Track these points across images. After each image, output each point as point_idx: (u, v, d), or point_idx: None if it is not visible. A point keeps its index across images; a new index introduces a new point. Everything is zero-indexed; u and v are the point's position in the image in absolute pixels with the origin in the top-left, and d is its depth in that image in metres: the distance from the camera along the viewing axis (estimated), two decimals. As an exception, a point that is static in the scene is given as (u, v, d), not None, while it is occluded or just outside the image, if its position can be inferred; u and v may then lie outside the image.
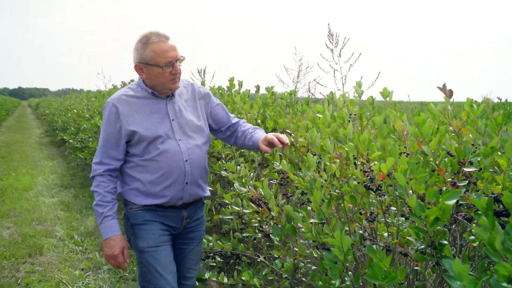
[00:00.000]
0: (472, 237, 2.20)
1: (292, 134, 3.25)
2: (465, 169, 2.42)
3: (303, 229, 2.62)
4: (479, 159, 2.47)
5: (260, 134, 2.88)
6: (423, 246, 2.06)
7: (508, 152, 2.04)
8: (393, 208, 2.78)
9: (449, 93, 2.86)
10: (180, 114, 2.78)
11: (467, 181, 2.40)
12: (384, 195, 2.60)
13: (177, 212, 2.82)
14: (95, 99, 12.18)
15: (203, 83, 5.70)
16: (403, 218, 2.63)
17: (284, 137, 2.77)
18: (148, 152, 2.66)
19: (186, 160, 2.73)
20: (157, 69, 2.61)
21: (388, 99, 2.84)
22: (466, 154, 2.43)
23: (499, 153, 2.47)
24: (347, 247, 1.93)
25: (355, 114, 3.03)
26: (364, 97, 3.06)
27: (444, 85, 2.86)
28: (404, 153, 2.76)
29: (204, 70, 6.06)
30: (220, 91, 5.35)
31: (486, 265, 2.03)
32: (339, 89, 3.24)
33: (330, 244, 2.37)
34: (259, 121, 4.31)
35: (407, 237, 2.21)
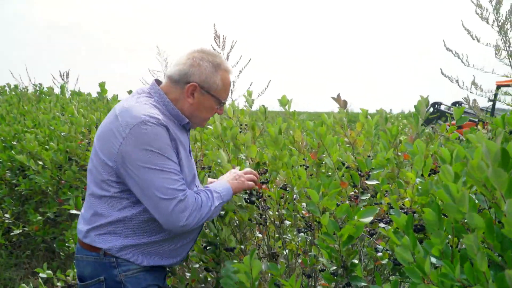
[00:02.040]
0: (379, 253, 2.09)
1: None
2: (367, 181, 2.31)
3: (195, 251, 2.35)
4: (377, 171, 2.39)
5: None
6: (334, 267, 1.89)
7: (417, 165, 1.95)
8: (287, 222, 2.62)
9: (343, 104, 2.77)
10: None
11: (369, 195, 2.30)
12: (267, 209, 2.44)
13: (164, 271, 2.29)
14: None
15: (63, 87, 5.18)
16: (302, 234, 2.47)
17: None
18: None
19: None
20: (214, 103, 2.16)
21: (287, 107, 2.68)
22: (367, 166, 2.33)
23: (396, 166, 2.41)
24: (256, 273, 1.69)
25: (246, 125, 2.83)
26: (256, 107, 2.88)
27: (338, 95, 2.76)
28: (303, 165, 2.60)
29: (67, 73, 5.52)
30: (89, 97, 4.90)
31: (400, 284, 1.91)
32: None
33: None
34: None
35: (316, 257, 2.03)
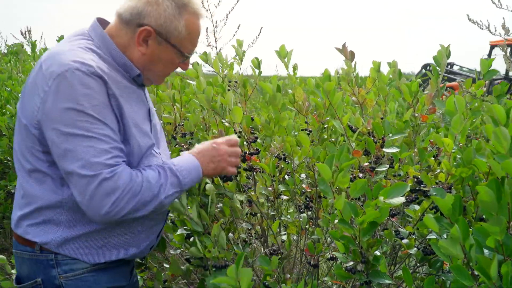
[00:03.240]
0: (405, 240, 1.67)
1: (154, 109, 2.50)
2: (385, 149, 1.88)
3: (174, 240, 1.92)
4: (395, 137, 1.95)
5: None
6: (352, 262, 1.47)
7: (455, 127, 1.51)
8: (284, 196, 2.19)
9: (351, 55, 2.30)
10: (151, 109, 1.80)
11: (387, 166, 1.86)
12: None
13: (128, 266, 1.78)
14: None
15: (33, 44, 4.64)
16: (304, 214, 2.04)
17: None
18: None
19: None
20: (175, 55, 1.65)
21: (286, 59, 2.21)
22: (386, 131, 1.89)
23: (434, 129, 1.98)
24: (246, 285, 1.24)
25: (236, 81, 2.36)
26: (247, 60, 2.40)
27: (344, 45, 2.30)
28: (305, 130, 2.16)
29: (29, 31, 4.96)
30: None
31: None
32: (210, 46, 2.54)
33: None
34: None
35: (333, 252, 1.61)
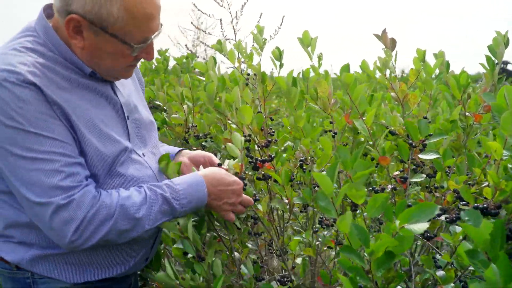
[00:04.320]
0: (441, 272, 1.31)
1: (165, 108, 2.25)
2: (420, 155, 1.52)
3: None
4: (437, 139, 1.59)
5: (168, 149, 1.76)
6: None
7: (506, 128, 1.15)
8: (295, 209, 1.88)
9: (391, 43, 1.96)
10: (134, 105, 1.56)
11: (424, 176, 1.51)
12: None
13: (122, 283, 1.57)
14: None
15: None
16: (324, 234, 1.71)
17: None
18: (105, 184, 1.41)
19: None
20: (122, 46, 1.35)
21: (310, 49, 1.89)
22: (422, 133, 1.54)
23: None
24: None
25: (255, 74, 2.06)
26: (268, 51, 2.11)
27: (384, 32, 1.95)
28: (330, 131, 1.83)
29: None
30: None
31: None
32: (228, 38, 2.27)
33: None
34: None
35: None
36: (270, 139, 1.71)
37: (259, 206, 1.56)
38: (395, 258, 1.07)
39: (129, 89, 1.57)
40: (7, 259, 1.44)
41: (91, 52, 1.36)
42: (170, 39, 6.15)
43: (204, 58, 4.65)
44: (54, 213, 1.26)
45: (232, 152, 1.57)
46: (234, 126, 1.72)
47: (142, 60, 1.46)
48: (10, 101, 1.24)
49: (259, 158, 1.69)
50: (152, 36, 1.38)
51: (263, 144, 1.71)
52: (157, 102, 2.52)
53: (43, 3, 1.43)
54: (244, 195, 1.51)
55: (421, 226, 0.99)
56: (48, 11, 1.41)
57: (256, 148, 1.77)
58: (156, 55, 4.34)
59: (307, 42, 1.90)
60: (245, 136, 1.67)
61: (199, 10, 2.41)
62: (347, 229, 1.05)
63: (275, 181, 1.65)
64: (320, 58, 1.94)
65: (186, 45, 4.01)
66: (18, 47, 1.33)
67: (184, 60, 4.26)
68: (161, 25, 1.41)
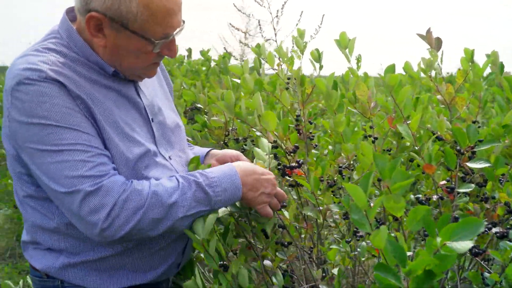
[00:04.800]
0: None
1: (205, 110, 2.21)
2: (469, 163, 1.41)
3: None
4: (488, 146, 1.48)
5: (197, 151, 1.72)
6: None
7: None
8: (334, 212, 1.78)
9: (437, 43, 1.84)
10: (158, 107, 1.53)
11: (472, 186, 1.40)
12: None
13: None
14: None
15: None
16: (364, 244, 1.62)
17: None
18: None
19: None
20: (144, 42, 1.33)
21: (347, 51, 1.80)
22: (470, 139, 1.43)
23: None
24: None
25: (295, 78, 1.99)
26: (307, 53, 2.02)
27: (428, 31, 1.84)
28: (370, 136, 1.74)
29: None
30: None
31: None
32: (268, 39, 2.20)
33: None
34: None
35: None
36: (297, 145, 1.64)
37: (286, 213, 1.48)
38: (436, 277, 0.97)
39: (153, 91, 1.54)
40: (37, 267, 1.43)
41: (113, 50, 1.35)
42: (220, 38, 6.13)
43: (240, 59, 4.48)
44: (82, 200, 1.23)
45: (259, 157, 1.51)
46: (258, 133, 1.65)
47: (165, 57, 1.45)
48: (33, 98, 1.24)
49: (287, 165, 1.62)
50: (174, 33, 1.35)
51: (290, 150, 1.64)
52: (198, 105, 2.49)
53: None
54: (278, 188, 1.45)
55: (465, 245, 0.90)
56: (71, 14, 1.41)
57: (284, 154, 1.70)
58: (198, 55, 4.30)
59: (344, 43, 1.82)
60: (271, 142, 1.61)
61: (238, 10, 2.34)
62: (382, 245, 0.97)
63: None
64: (358, 60, 1.85)
65: (225, 48, 3.94)
66: (40, 48, 1.34)
67: (222, 60, 4.21)
68: (183, 22, 1.39)
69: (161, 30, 1.32)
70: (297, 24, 2.08)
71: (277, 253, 1.50)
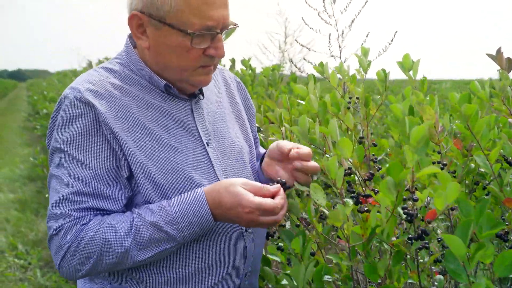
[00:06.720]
0: None
1: (261, 129, 2.18)
2: (552, 197, 1.35)
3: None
4: None
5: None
6: None
7: None
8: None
9: (508, 64, 1.79)
10: (217, 130, 1.48)
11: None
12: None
13: None
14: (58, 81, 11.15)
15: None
16: (441, 277, 1.57)
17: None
18: None
19: (246, 231, 1.44)
20: (182, 37, 1.28)
21: (411, 73, 1.76)
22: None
23: None
24: None
25: (357, 98, 1.95)
26: (372, 72, 1.98)
27: (499, 51, 1.79)
28: (438, 162, 1.69)
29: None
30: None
31: None
32: (333, 56, 2.16)
33: None
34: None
35: None
36: (373, 172, 1.59)
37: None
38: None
39: (213, 112, 1.50)
40: None
41: (156, 50, 1.33)
42: (258, 47, 6.12)
43: (290, 62, 4.30)
44: (50, 239, 1.29)
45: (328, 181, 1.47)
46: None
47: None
48: (62, 116, 1.30)
49: (362, 193, 1.58)
50: (218, 29, 1.31)
51: (366, 177, 1.59)
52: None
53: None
54: (261, 218, 1.25)
55: None
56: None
57: (357, 181, 1.65)
58: (240, 66, 4.20)
59: (408, 66, 1.77)
60: (345, 170, 1.56)
61: (306, 24, 2.28)
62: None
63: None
64: (423, 82, 1.80)
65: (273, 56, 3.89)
66: (98, 68, 1.39)
67: (271, 71, 4.10)
68: (235, 24, 1.36)
69: (198, 22, 1.27)
70: (362, 44, 2.02)
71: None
